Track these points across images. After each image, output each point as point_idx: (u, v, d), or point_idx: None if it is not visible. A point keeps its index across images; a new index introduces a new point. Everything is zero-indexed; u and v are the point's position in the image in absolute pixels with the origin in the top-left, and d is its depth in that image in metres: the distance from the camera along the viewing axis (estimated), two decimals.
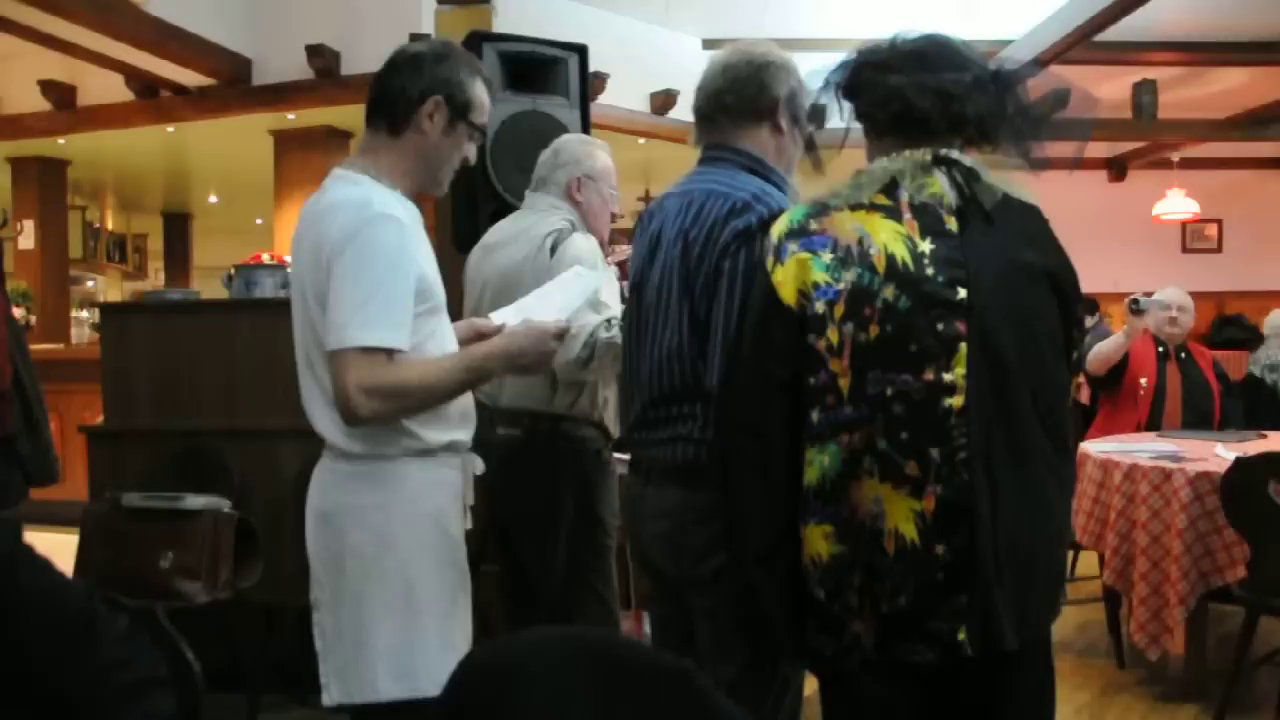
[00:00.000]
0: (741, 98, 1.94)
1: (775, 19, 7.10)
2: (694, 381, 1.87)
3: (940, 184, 1.60)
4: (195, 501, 3.20)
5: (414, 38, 6.00)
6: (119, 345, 3.86)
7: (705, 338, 1.85)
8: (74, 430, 4.28)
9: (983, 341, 1.53)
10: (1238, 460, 3.23)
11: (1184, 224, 9.94)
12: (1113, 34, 6.46)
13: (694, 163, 2.05)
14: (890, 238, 1.57)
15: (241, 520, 3.26)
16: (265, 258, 4.66)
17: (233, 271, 4.00)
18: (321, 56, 6.60)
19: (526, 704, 1.12)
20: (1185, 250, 10.23)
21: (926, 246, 1.56)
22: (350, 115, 6.94)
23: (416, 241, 1.89)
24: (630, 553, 3.09)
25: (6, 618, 1.14)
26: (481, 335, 2.02)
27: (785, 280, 1.60)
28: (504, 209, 3.01)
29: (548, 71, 3.53)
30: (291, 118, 7.45)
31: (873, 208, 1.60)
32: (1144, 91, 7.88)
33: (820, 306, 1.57)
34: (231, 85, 6.90)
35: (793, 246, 1.61)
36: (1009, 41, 7.18)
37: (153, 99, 7.18)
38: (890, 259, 1.55)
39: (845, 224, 1.60)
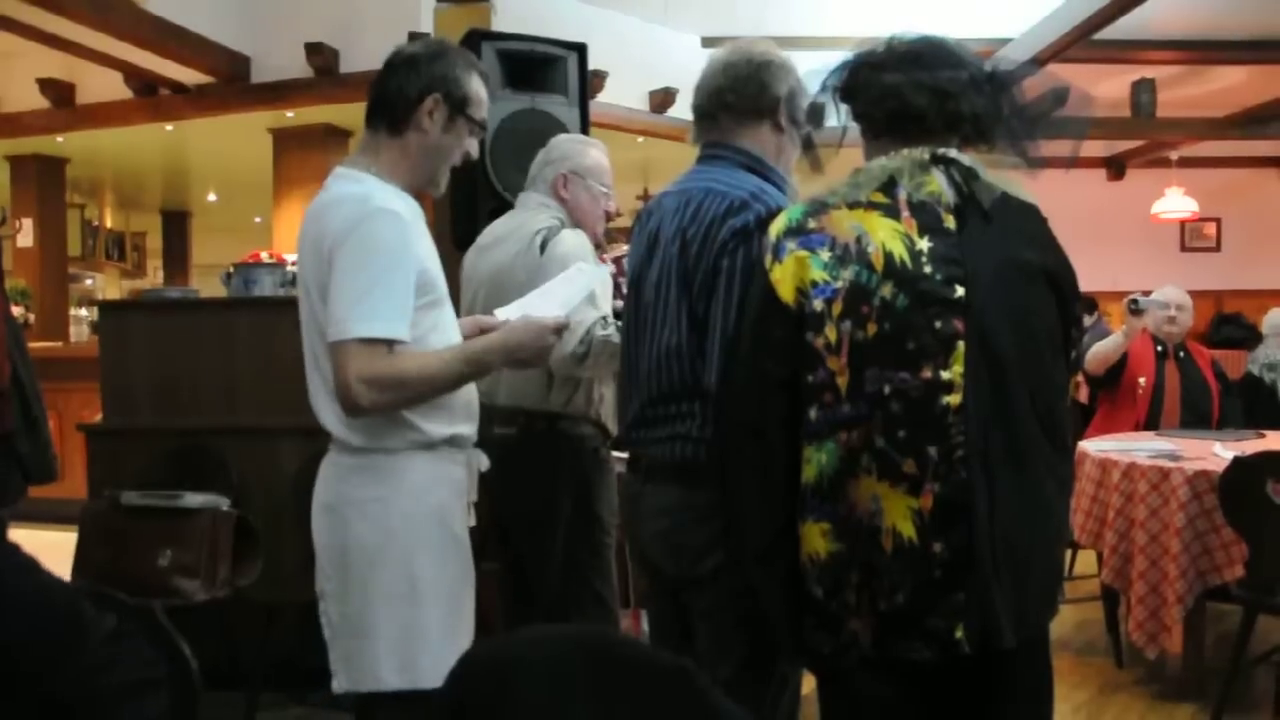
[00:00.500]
0: (743, 96, 1.94)
1: (775, 17, 7.10)
2: (692, 380, 1.87)
3: (938, 182, 1.60)
4: (194, 500, 3.21)
5: (413, 36, 6.01)
6: (118, 343, 3.86)
7: (704, 336, 1.86)
8: (72, 428, 4.28)
9: (981, 340, 1.53)
10: (1236, 459, 3.24)
11: (1182, 223, 9.94)
12: (1111, 33, 6.46)
13: (692, 161, 2.05)
14: (888, 236, 1.57)
15: (240, 518, 3.26)
16: (264, 256, 4.66)
17: (231, 270, 4.00)
18: (320, 54, 6.60)
19: (525, 701, 1.12)
20: (1184, 249, 10.23)
21: (925, 244, 1.56)
22: (349, 113, 6.94)
23: (417, 235, 1.91)
24: (629, 551, 3.09)
25: None
26: (485, 332, 2.04)
27: (783, 278, 1.60)
28: (503, 208, 3.01)
29: (547, 70, 3.53)
30: (290, 116, 7.44)
31: (871, 206, 1.60)
32: (1142, 90, 7.88)
33: (818, 304, 1.57)
34: (230, 83, 6.89)
35: (791, 245, 1.61)
36: (1007, 40, 7.18)
37: (151, 97, 7.17)
38: (888, 257, 1.55)
39: (843, 222, 1.60)
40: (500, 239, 2.80)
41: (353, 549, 1.90)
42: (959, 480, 1.51)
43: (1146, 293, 4.66)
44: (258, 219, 11.55)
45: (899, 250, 1.56)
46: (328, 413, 1.93)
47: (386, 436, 1.89)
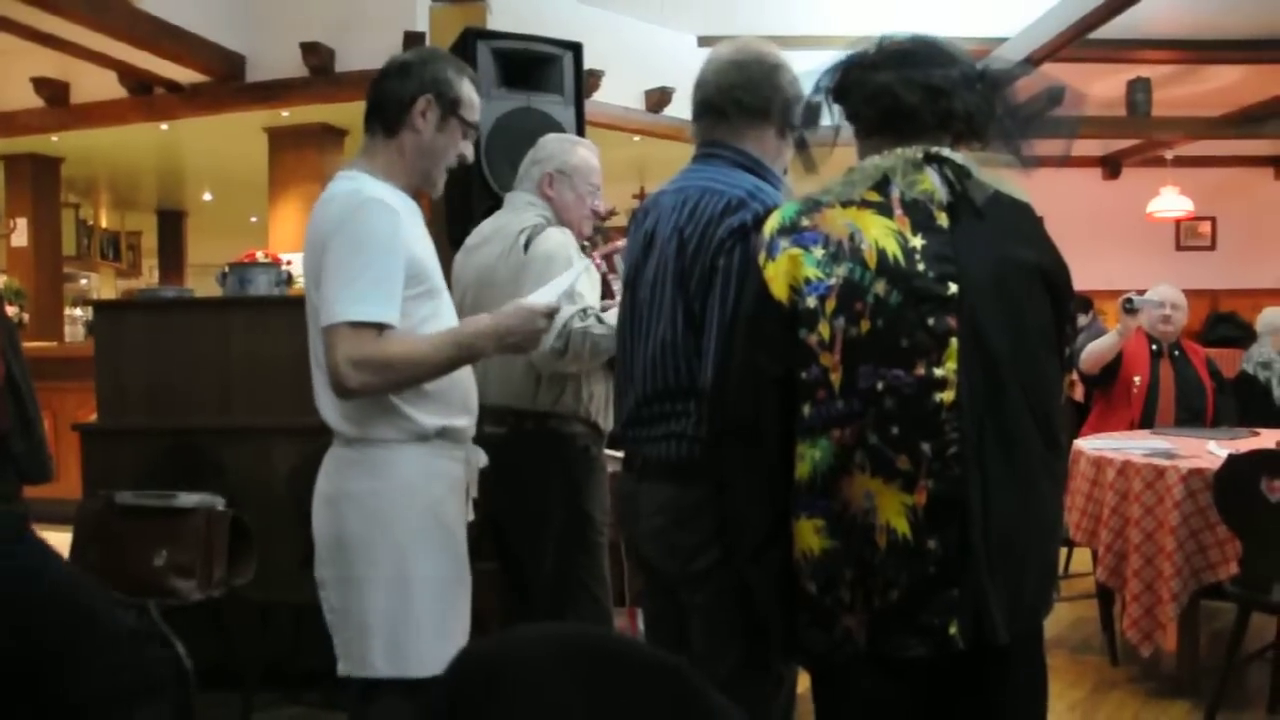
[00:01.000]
0: (757, 96, 1.94)
1: (772, 16, 7.10)
2: (688, 378, 1.88)
3: (931, 180, 1.61)
4: (189, 499, 3.20)
5: (409, 35, 6.01)
6: (113, 343, 3.85)
7: (699, 334, 1.86)
8: (67, 428, 4.27)
9: (974, 337, 1.53)
10: (1230, 457, 3.24)
11: (1178, 222, 9.96)
12: (1106, 32, 6.47)
13: (688, 160, 2.05)
14: (882, 233, 1.57)
15: (235, 518, 3.26)
16: (260, 255, 4.66)
17: (227, 269, 4.00)
18: (316, 53, 6.59)
19: (519, 699, 1.12)
20: (1179, 248, 10.25)
21: (918, 242, 1.56)
22: (345, 112, 6.93)
23: (409, 226, 1.96)
24: (625, 550, 3.09)
25: (16, 603, 1.12)
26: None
27: (777, 276, 1.60)
28: (498, 207, 3.01)
29: (542, 69, 3.53)
30: (286, 115, 7.43)
31: (864, 204, 1.61)
32: (1138, 89, 7.90)
33: (812, 302, 1.57)
34: (225, 82, 6.88)
35: (784, 243, 1.62)
36: (1003, 39, 7.19)
37: (146, 96, 7.15)
38: (881, 254, 1.56)
39: (837, 220, 1.60)
40: (487, 239, 2.81)
41: (348, 540, 1.95)
42: (953, 477, 1.51)
43: (1141, 291, 4.67)
44: (253, 218, 11.53)
45: (892, 248, 1.56)
46: (326, 404, 1.98)
47: (379, 426, 1.94)
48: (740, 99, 1.95)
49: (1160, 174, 9.43)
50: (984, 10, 7.15)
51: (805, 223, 1.62)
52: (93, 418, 4.05)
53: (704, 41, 7.70)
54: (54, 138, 8.21)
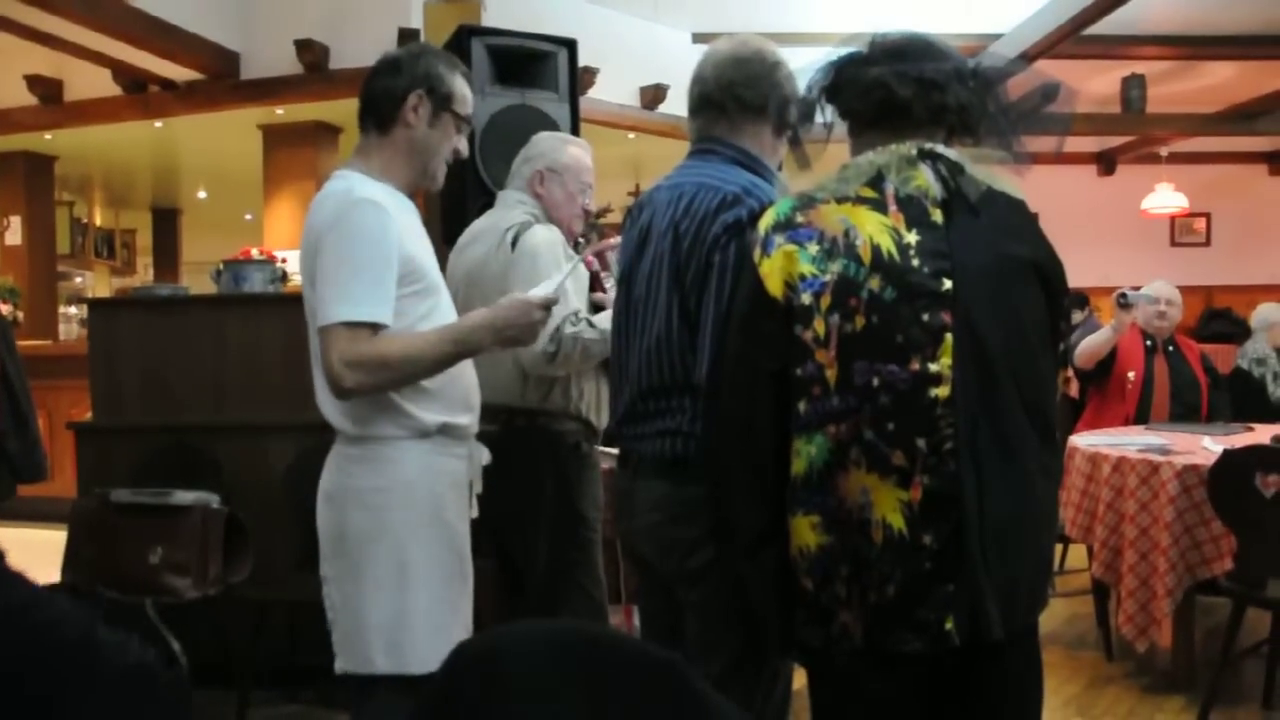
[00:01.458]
0: (757, 93, 1.94)
1: (766, 13, 7.10)
2: (683, 375, 1.87)
3: (925, 177, 1.61)
4: (184, 497, 3.20)
5: (403, 31, 6.00)
6: (107, 341, 3.85)
7: (695, 330, 1.86)
8: (62, 427, 4.26)
9: (969, 332, 1.53)
10: (1225, 453, 3.25)
11: (1172, 218, 9.98)
12: (1101, 28, 6.48)
13: (684, 156, 2.05)
14: (876, 230, 1.57)
15: (231, 515, 3.25)
16: (254, 253, 4.66)
17: (221, 267, 3.99)
18: (310, 51, 6.58)
19: (515, 694, 1.12)
20: (1174, 244, 10.27)
21: (912, 238, 1.56)
22: (339, 110, 6.92)
23: (403, 225, 1.95)
24: (620, 547, 3.09)
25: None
26: None
27: (772, 272, 1.60)
28: (492, 204, 3.01)
29: (537, 66, 3.53)
30: (280, 112, 7.42)
31: (858, 200, 1.61)
32: (1132, 86, 7.91)
33: (806, 298, 1.57)
34: (219, 80, 6.86)
35: (779, 239, 1.62)
36: (997, 36, 7.19)
37: (140, 94, 7.14)
38: (876, 250, 1.56)
39: (831, 216, 1.60)
40: (476, 237, 2.82)
41: (348, 536, 1.96)
42: (948, 472, 1.51)
43: (1136, 288, 4.68)
44: (248, 216, 11.52)
45: (886, 244, 1.56)
46: (327, 403, 1.98)
47: (379, 423, 1.95)
48: (740, 95, 1.94)
49: (1155, 170, 9.45)
50: (978, 7, 7.15)
51: (800, 219, 1.62)
52: (88, 416, 4.04)
53: (699, 38, 7.70)
54: (48, 135, 8.19)
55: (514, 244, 2.65)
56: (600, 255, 2.78)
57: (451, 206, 3.47)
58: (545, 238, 2.64)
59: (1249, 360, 5.46)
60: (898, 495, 1.53)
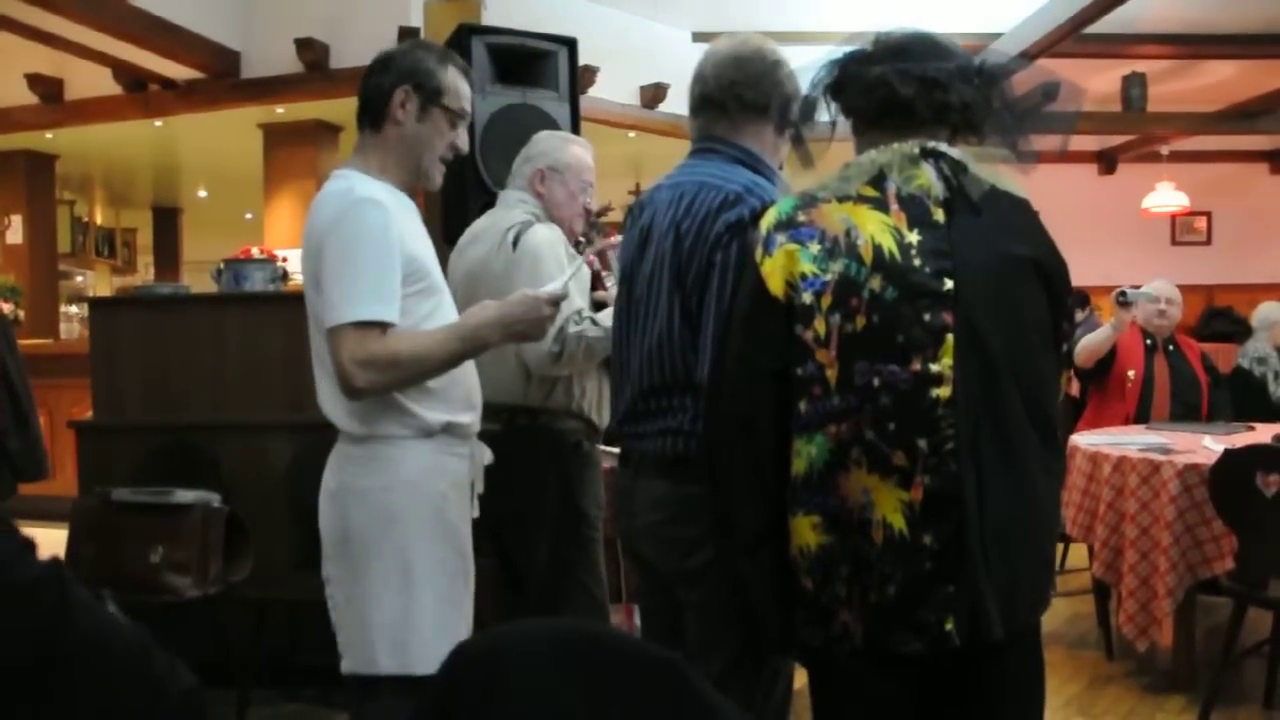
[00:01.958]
0: (758, 92, 1.94)
1: (767, 12, 7.09)
2: (684, 374, 1.87)
3: (927, 176, 1.61)
4: (185, 496, 3.20)
5: (403, 30, 5.99)
6: (108, 340, 3.85)
7: (696, 329, 1.86)
8: (63, 425, 4.27)
9: (970, 332, 1.53)
10: (1226, 452, 3.25)
11: (1173, 217, 9.96)
12: (1101, 27, 6.47)
13: (684, 155, 2.05)
14: (877, 229, 1.57)
15: (231, 514, 3.26)
16: (255, 252, 4.66)
17: (222, 266, 3.99)
18: (310, 50, 6.57)
19: (515, 693, 1.12)
20: (1174, 243, 10.26)
21: (914, 238, 1.56)
22: (340, 109, 6.92)
23: (404, 224, 1.96)
24: (621, 546, 3.09)
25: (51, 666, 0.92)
26: None
27: (773, 272, 1.60)
28: (493, 203, 3.01)
29: (537, 65, 3.53)
30: (280, 111, 7.42)
31: (860, 199, 1.61)
32: (1133, 84, 7.90)
33: (807, 297, 1.57)
34: (220, 79, 6.86)
35: (781, 238, 1.61)
36: (998, 35, 7.18)
37: (140, 93, 7.14)
38: (877, 250, 1.56)
39: (833, 215, 1.60)
40: (476, 237, 2.81)
41: (352, 536, 1.96)
42: (949, 472, 1.51)
43: (1136, 286, 4.67)
44: (249, 215, 11.51)
45: (888, 243, 1.56)
46: (330, 403, 1.98)
47: (384, 423, 1.94)
48: (741, 94, 1.94)
49: (1156, 169, 9.44)
50: (979, 5, 7.15)
51: (801, 218, 1.62)
52: (88, 415, 4.04)
53: (699, 37, 7.69)
54: (48, 134, 8.19)
55: (515, 243, 2.64)
56: (601, 254, 2.78)
57: (452, 206, 3.46)
58: (546, 237, 2.64)
59: (1250, 359, 5.46)
60: (898, 495, 1.52)
